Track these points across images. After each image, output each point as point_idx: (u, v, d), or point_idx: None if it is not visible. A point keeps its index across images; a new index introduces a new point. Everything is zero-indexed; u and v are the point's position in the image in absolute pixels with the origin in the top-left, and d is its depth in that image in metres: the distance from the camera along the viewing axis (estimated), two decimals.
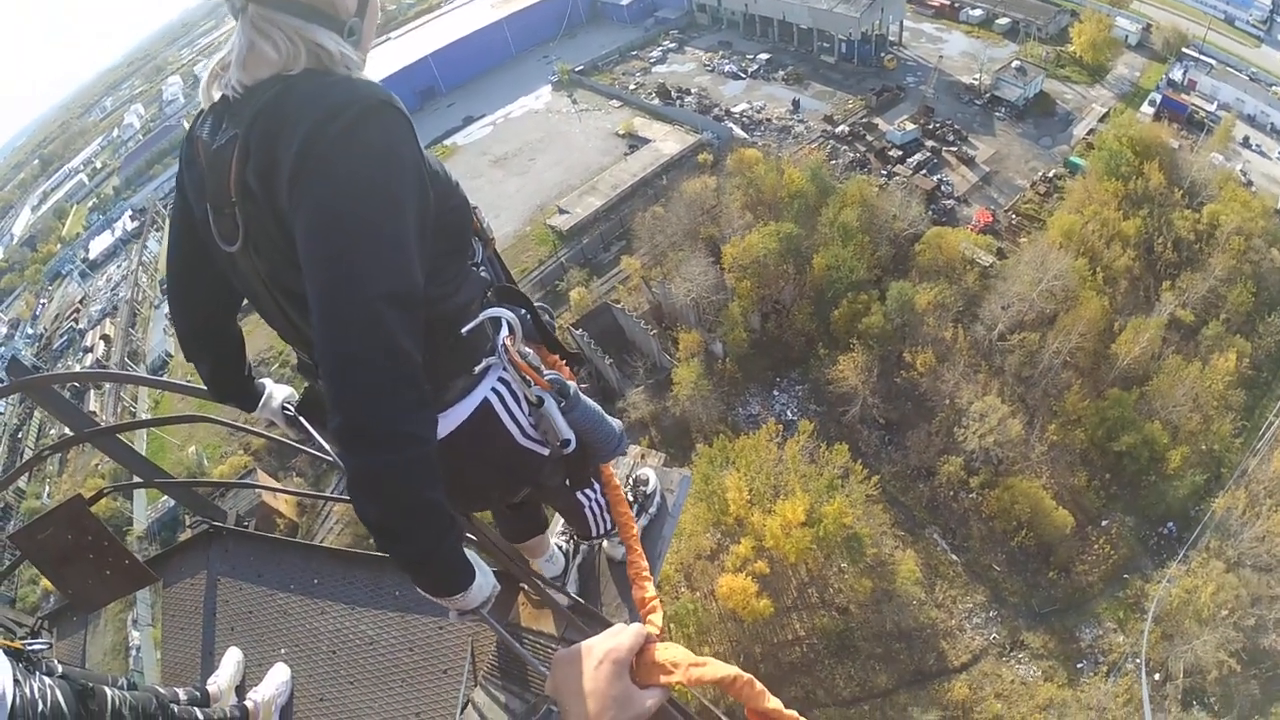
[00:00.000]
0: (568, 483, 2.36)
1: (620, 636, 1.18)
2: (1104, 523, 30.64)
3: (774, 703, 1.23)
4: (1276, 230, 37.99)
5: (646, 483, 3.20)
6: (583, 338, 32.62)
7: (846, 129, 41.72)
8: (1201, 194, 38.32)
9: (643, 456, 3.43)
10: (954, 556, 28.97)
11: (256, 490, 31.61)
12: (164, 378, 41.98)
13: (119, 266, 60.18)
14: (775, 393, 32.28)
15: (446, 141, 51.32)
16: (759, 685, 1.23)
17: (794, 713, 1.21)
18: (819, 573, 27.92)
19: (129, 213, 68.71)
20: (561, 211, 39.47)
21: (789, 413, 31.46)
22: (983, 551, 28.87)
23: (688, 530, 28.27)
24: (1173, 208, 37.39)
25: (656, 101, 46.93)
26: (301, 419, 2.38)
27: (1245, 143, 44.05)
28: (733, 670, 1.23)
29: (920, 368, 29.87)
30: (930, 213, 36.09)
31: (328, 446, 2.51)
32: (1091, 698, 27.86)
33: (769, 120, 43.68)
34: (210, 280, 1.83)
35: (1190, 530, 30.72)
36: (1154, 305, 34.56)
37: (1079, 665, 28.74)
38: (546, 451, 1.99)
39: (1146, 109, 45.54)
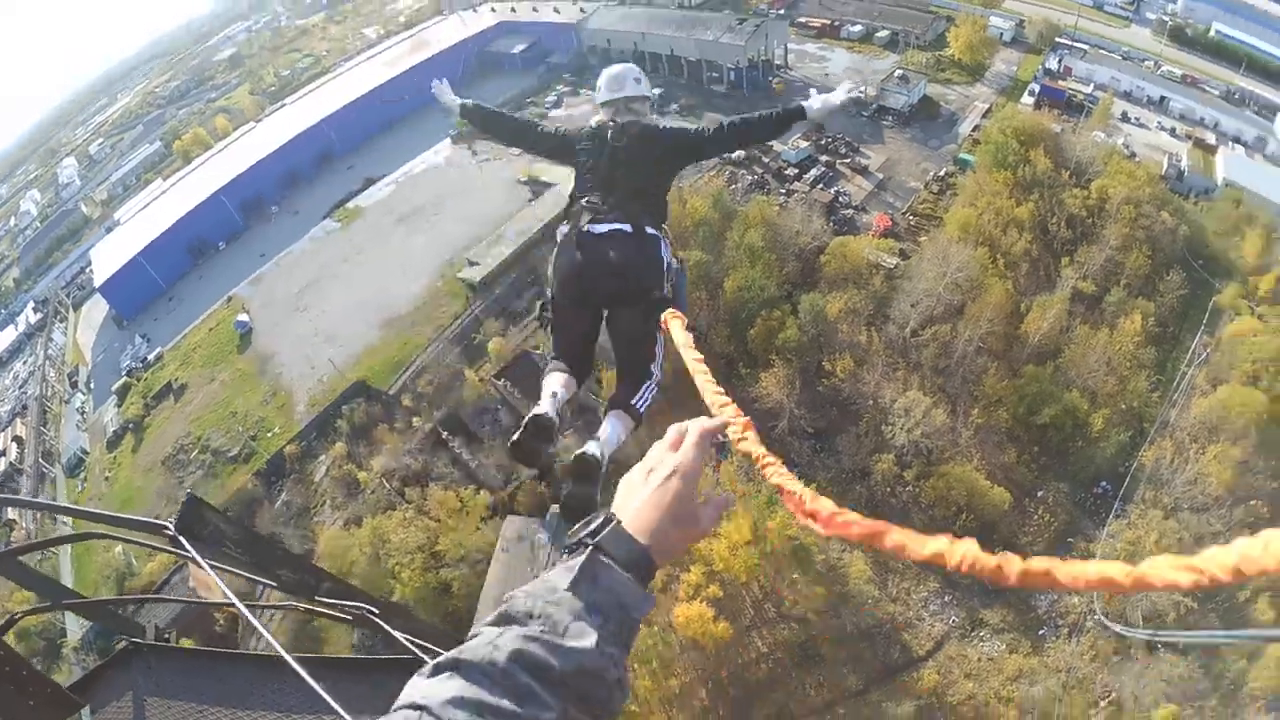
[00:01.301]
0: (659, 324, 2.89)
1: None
2: (1039, 493, 31.62)
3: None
4: (1163, 194, 40.69)
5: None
6: (505, 387, 32.00)
7: (743, 154, 42.91)
8: (1088, 171, 40.80)
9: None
10: None
11: (193, 581, 29.47)
12: (81, 477, 38.77)
13: (25, 362, 56.18)
14: (701, 415, 32.08)
15: (349, 205, 50.40)
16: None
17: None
18: (772, 588, 27.73)
19: (31, 305, 64.22)
20: (471, 264, 39.02)
21: (719, 435, 31.26)
22: None
23: None
24: (1062, 188, 39.64)
25: None
26: None
27: (1124, 118, 47.48)
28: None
29: (840, 374, 30.44)
30: (831, 224, 37.27)
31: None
32: (1058, 660, 28.40)
33: None
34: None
35: (1123, 486, 32.05)
36: (1056, 282, 36.33)
37: (1040, 633, 29.32)
38: (666, 283, 3.40)
39: (1027, 99, 48.63)
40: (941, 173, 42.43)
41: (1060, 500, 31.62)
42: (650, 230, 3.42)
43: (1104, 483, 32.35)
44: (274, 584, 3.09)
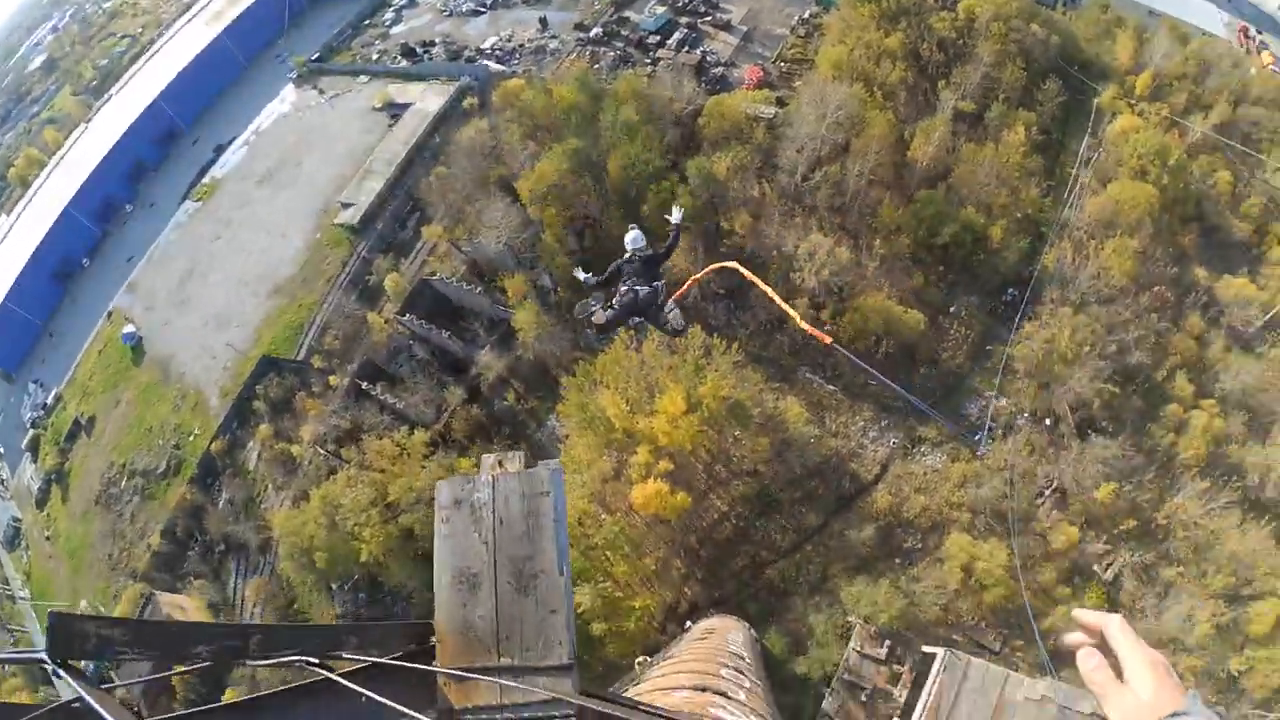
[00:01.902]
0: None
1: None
2: (952, 310, 32.90)
3: None
4: (1030, 7, 40.87)
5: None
6: (412, 321, 30.86)
7: (600, 30, 40.90)
8: None
9: (500, 464, 3.10)
10: (831, 387, 30.32)
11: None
12: (23, 546, 36.69)
13: None
14: (615, 302, 31.85)
15: (205, 180, 46.45)
16: None
17: None
18: (718, 449, 28.45)
19: None
20: (345, 206, 36.74)
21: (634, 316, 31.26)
22: (854, 373, 30.33)
23: (585, 460, 27.97)
24: (929, 13, 39.21)
25: (404, 63, 44.18)
26: None
27: None
28: None
29: (740, 230, 30.41)
30: (703, 85, 36.28)
31: None
32: (998, 460, 30.41)
33: (522, 46, 42.16)
34: None
35: (1029, 289, 33.52)
36: (936, 106, 36.46)
37: (977, 438, 31.14)
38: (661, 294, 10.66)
39: None
40: (806, 15, 41.53)
41: (973, 313, 33.01)
42: (655, 284, 10.50)
43: (1010, 289, 33.81)
44: (193, 666, 2.56)
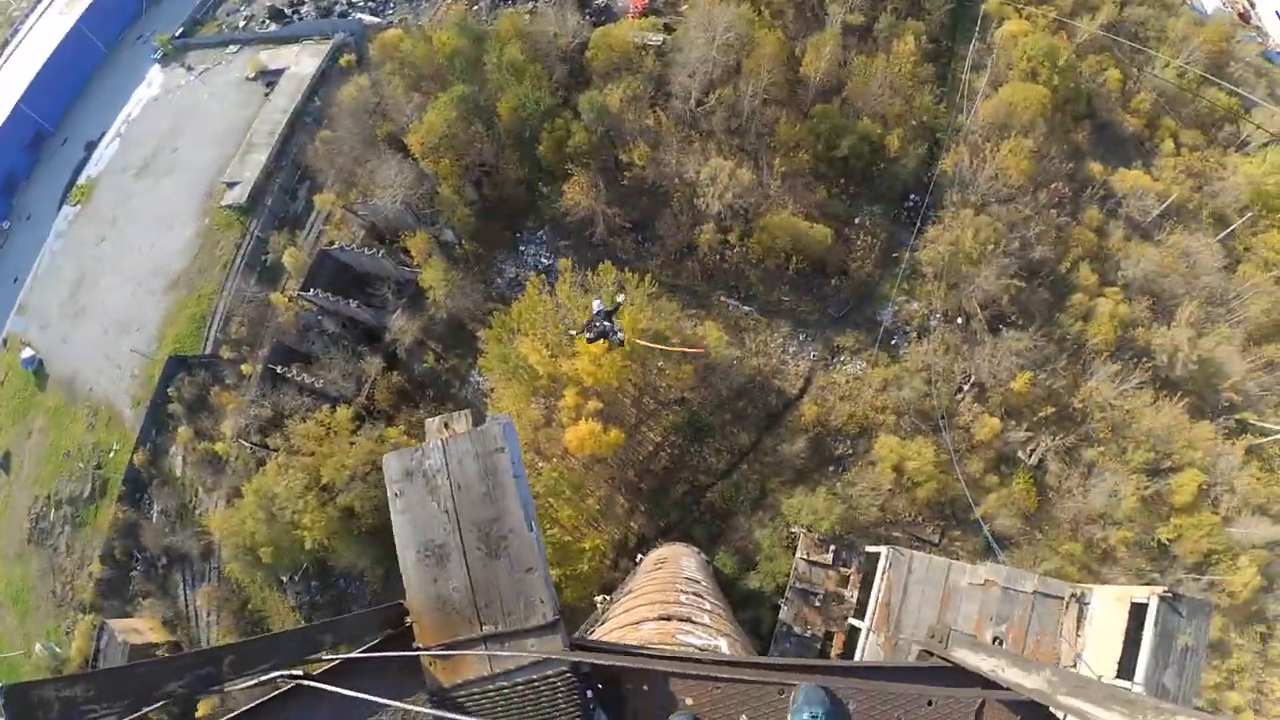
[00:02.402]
0: None
1: None
2: (856, 221, 33.25)
3: None
4: None
5: None
6: (317, 295, 29.72)
7: None
8: None
9: (446, 426, 2.94)
10: (747, 308, 30.55)
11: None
12: None
13: None
14: (521, 249, 31.45)
15: (80, 181, 43.42)
16: None
17: None
18: (644, 382, 28.52)
19: None
20: (230, 185, 34.85)
21: (543, 260, 30.92)
22: (767, 291, 30.61)
23: (513, 410, 27.73)
24: None
25: (273, 27, 41.62)
26: None
27: None
28: None
29: (639, 161, 29.92)
30: (587, 17, 35.19)
31: None
32: (916, 361, 31.28)
33: None
34: None
35: (931, 195, 33.99)
36: (824, 21, 36.25)
37: (893, 342, 31.93)
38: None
39: None
40: None
41: (877, 221, 33.43)
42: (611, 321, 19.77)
43: (912, 196, 34.32)
44: (168, 699, 2.24)
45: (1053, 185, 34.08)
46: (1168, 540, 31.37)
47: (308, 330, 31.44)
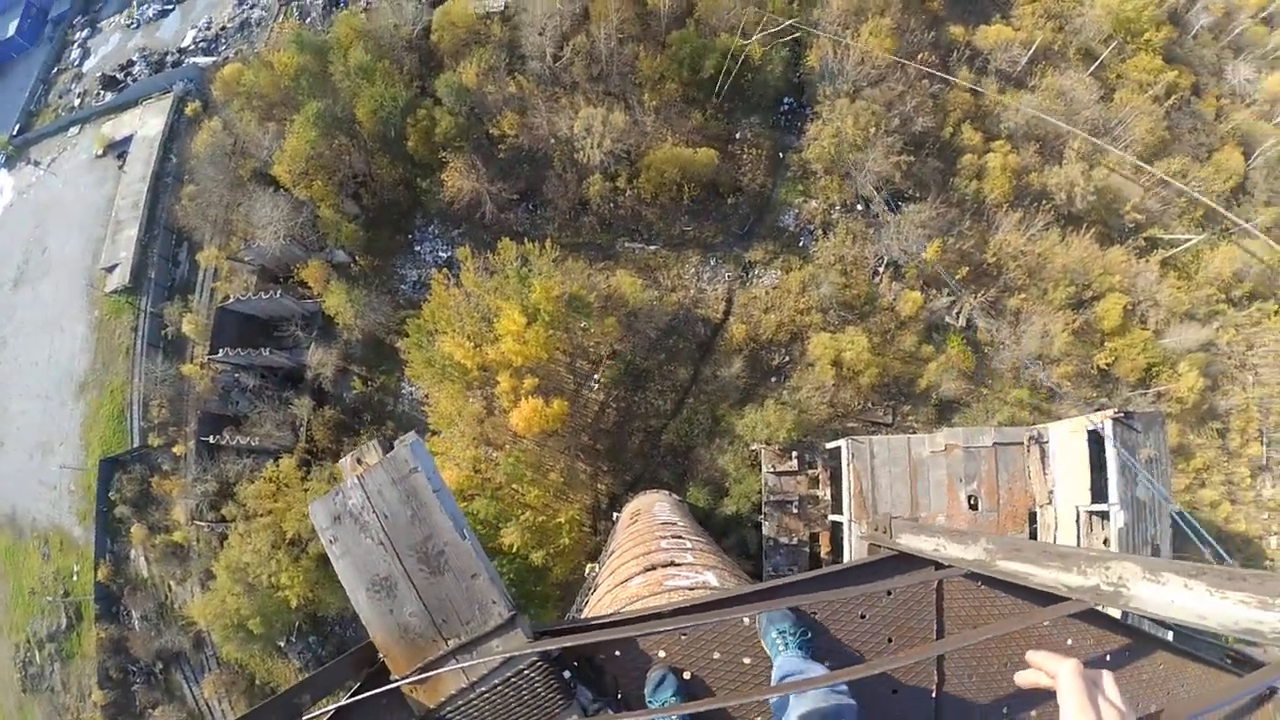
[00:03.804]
0: None
1: None
2: (738, 136, 33.21)
3: None
4: None
5: None
6: (227, 355, 28.75)
7: None
8: None
9: (358, 462, 2.95)
10: (652, 247, 30.41)
11: None
12: None
13: None
14: (417, 249, 30.78)
15: None
16: None
17: None
18: (572, 346, 28.31)
19: None
20: (110, 269, 33.34)
21: (441, 254, 30.33)
22: (668, 226, 30.51)
23: (454, 411, 27.46)
24: None
25: (109, 96, 39.67)
26: None
27: None
28: None
29: (511, 130, 29.36)
30: (424, 1, 34.22)
31: None
32: (828, 256, 31.52)
33: (225, 29, 38.53)
34: None
35: (804, 93, 34.15)
36: None
37: (802, 244, 32.12)
38: None
39: None
40: None
41: (758, 132, 33.43)
42: None
43: (786, 99, 34.42)
44: None
45: (919, 56, 34.36)
46: (1106, 365, 32.46)
47: (228, 392, 30.42)
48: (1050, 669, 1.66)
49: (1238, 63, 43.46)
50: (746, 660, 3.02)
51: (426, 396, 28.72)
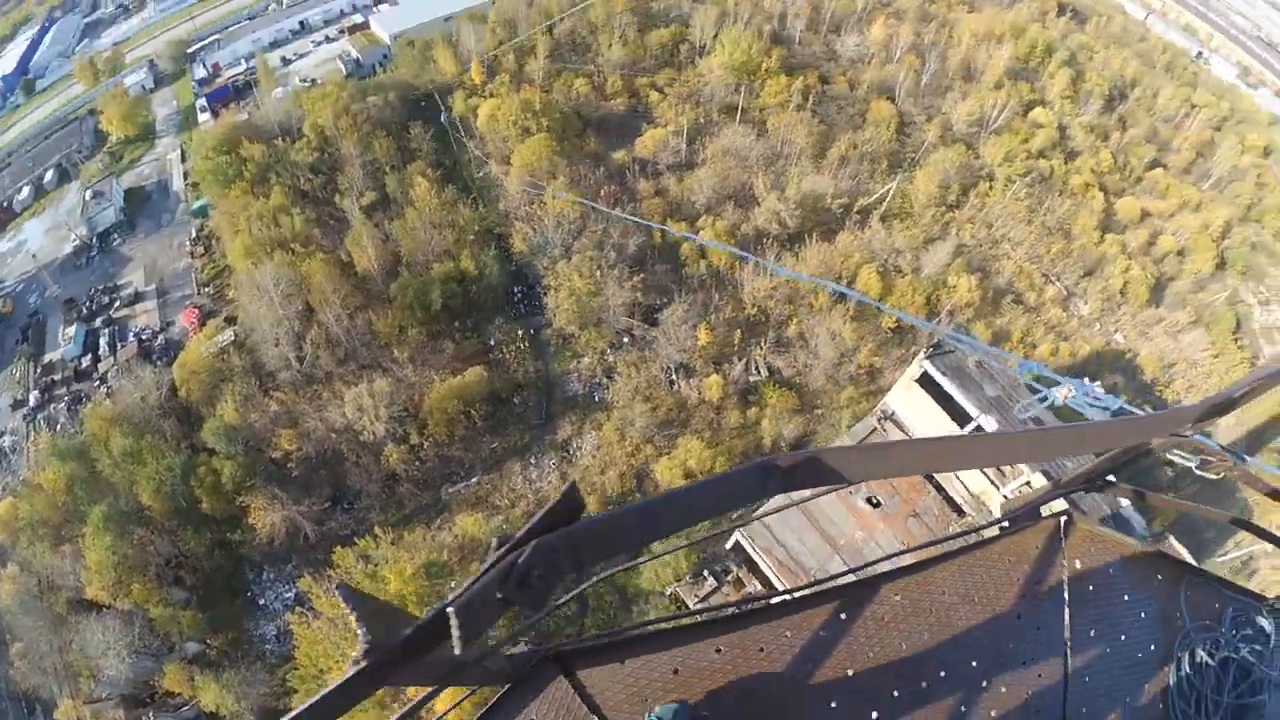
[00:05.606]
0: None
1: None
2: (492, 341, 36.00)
3: None
4: (354, 88, 44.51)
5: None
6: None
7: (38, 393, 37.58)
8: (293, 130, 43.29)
9: None
10: (474, 479, 32.20)
11: None
12: None
13: None
14: (261, 601, 31.01)
15: None
16: None
17: None
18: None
19: None
20: None
21: (285, 596, 30.56)
22: (477, 452, 32.41)
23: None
24: (287, 152, 41.54)
25: None
26: None
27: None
28: None
29: (291, 445, 30.58)
30: (159, 362, 35.54)
31: None
32: (622, 397, 33.82)
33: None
34: None
35: (528, 277, 37.53)
36: (346, 217, 39.38)
37: (597, 399, 34.54)
38: None
39: (205, 117, 49.23)
40: (193, 234, 42.67)
41: (507, 329, 36.36)
42: None
43: (515, 288, 38.09)
44: None
45: (601, 192, 39.03)
46: (895, 324, 36.95)
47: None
48: None
49: (843, 38, 52.22)
50: None
51: None
